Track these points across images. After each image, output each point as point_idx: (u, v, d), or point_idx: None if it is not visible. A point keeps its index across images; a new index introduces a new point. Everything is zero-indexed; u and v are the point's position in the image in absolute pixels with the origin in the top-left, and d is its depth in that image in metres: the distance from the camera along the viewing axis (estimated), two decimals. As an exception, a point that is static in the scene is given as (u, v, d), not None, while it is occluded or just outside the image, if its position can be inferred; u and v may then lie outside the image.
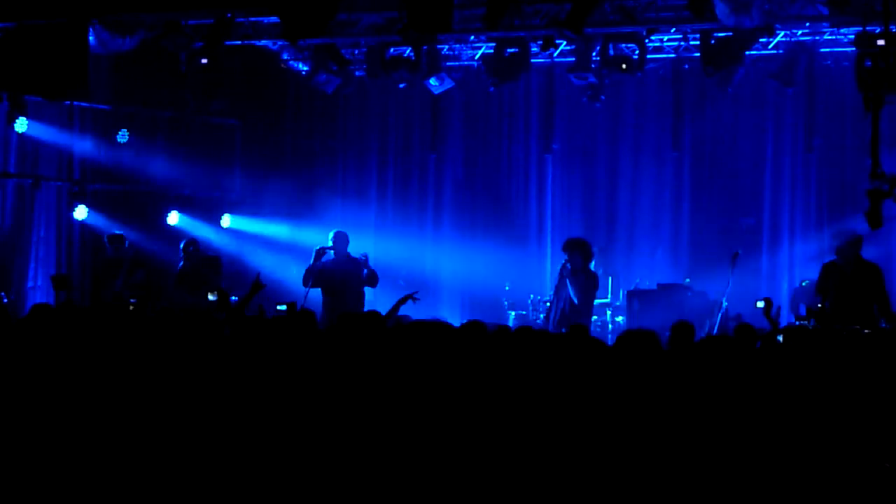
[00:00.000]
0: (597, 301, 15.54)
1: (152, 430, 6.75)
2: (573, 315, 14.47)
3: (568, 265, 14.69)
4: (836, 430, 6.52)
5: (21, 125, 17.28)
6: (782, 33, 16.89)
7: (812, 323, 13.41)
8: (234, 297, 16.26)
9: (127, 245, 16.92)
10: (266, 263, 19.44)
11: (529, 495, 6.09)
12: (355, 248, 15.99)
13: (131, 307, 14.42)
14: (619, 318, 17.72)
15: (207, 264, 16.75)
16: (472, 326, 8.19)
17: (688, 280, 18.03)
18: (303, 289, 15.38)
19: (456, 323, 8.06)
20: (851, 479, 6.04)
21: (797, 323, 14.25)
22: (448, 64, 18.84)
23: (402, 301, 12.11)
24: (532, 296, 18.65)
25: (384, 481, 6.20)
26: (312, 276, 15.32)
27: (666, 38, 17.69)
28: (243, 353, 7.82)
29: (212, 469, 6.45)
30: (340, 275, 15.52)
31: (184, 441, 6.65)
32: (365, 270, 15.44)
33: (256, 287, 11.74)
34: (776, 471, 6.11)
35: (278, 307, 11.18)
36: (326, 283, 15.52)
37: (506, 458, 6.22)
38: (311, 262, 15.38)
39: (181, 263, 16.64)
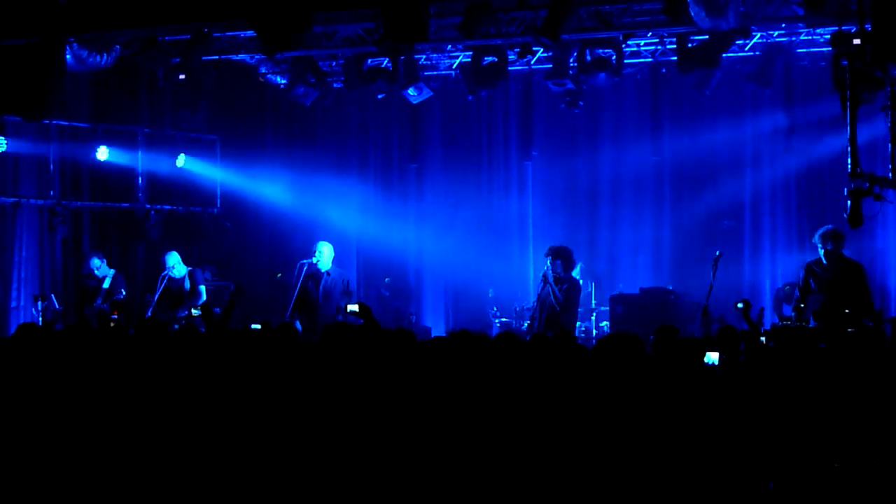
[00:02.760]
0: (580, 307, 15.58)
1: (140, 442, 6.75)
2: (557, 322, 14.51)
3: (550, 272, 14.74)
4: (822, 428, 6.54)
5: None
6: (758, 35, 16.95)
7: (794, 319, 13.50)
8: (216, 309, 16.29)
9: (107, 263, 16.90)
10: (248, 275, 19.48)
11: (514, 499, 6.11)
12: (340, 259, 16.03)
13: (113, 324, 14.40)
14: (603, 324, 17.75)
15: (188, 278, 16.72)
16: (459, 336, 8.21)
17: (670, 287, 18.05)
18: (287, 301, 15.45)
19: (441, 330, 8.08)
20: (839, 475, 6.06)
21: (780, 324, 14.33)
22: (426, 74, 18.85)
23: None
24: (516, 304, 18.66)
25: (369, 489, 6.21)
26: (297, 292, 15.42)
27: (643, 42, 17.73)
28: (225, 366, 7.81)
29: (198, 481, 6.44)
30: (323, 286, 15.55)
31: (171, 453, 6.65)
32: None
33: (236, 295, 11.66)
34: (762, 469, 6.13)
35: (252, 326, 11.11)
36: (310, 296, 15.55)
37: (489, 466, 6.23)
38: (295, 280, 15.46)
39: (162, 279, 16.62)
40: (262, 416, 6.91)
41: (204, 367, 7.90)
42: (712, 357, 8.18)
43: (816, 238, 14.06)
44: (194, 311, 11.55)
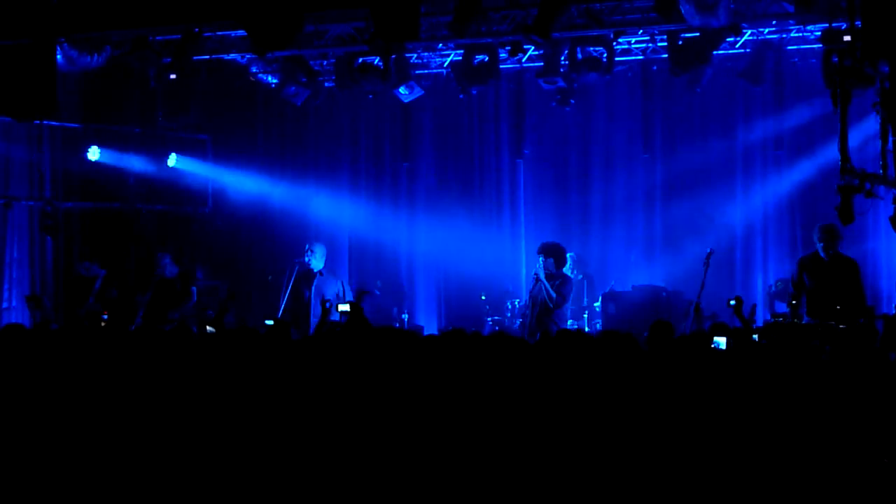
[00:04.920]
0: (572, 304, 15.58)
1: (131, 444, 6.74)
2: (549, 319, 14.52)
3: (542, 269, 14.74)
4: (814, 426, 6.54)
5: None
6: (749, 32, 16.94)
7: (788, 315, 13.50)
8: (209, 312, 16.30)
9: (99, 263, 16.86)
10: (240, 275, 19.48)
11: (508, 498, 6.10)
12: (332, 258, 16.05)
13: (103, 323, 14.38)
14: (596, 321, 17.75)
15: (180, 279, 16.69)
16: (453, 334, 8.20)
17: (663, 284, 18.04)
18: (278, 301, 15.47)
19: (433, 329, 8.07)
20: (823, 473, 6.06)
21: (773, 321, 14.32)
22: (417, 72, 18.82)
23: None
24: (508, 302, 18.66)
25: (363, 486, 6.20)
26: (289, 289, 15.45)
27: (633, 40, 17.72)
28: (217, 365, 7.80)
29: (188, 481, 6.44)
30: (314, 287, 15.54)
31: (162, 453, 6.64)
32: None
33: (229, 301, 11.67)
34: (755, 466, 6.13)
35: (266, 322, 11.11)
36: (302, 295, 15.56)
37: (484, 463, 6.23)
38: (287, 280, 15.45)
39: (154, 279, 16.58)
40: (254, 415, 6.91)
41: (196, 367, 7.89)
42: (720, 340, 8.18)
43: (815, 234, 14.08)
44: (209, 329, 11.51)
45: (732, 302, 12.38)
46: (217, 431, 6.82)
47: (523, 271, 19.84)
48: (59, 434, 6.93)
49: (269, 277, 18.85)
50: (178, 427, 6.91)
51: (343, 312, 11.84)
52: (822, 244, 13.93)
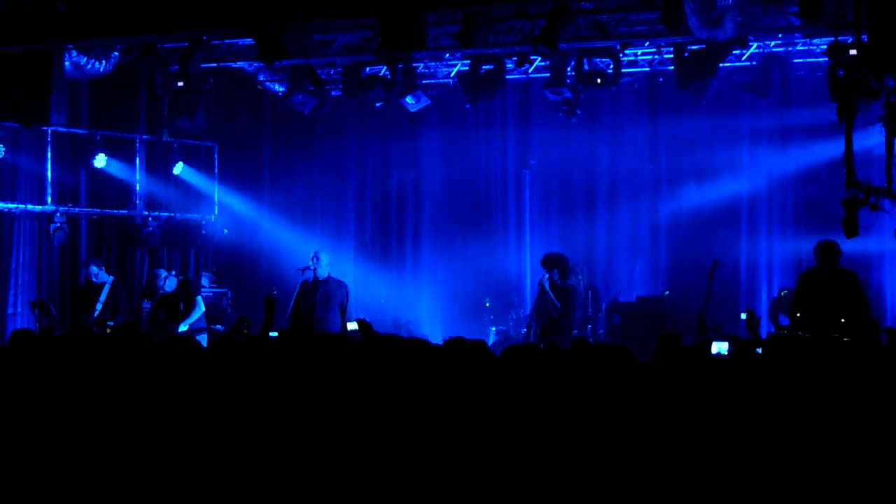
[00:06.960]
0: (577, 315, 15.61)
1: (135, 453, 6.76)
2: (553, 330, 14.54)
3: (547, 280, 14.76)
4: (819, 437, 6.55)
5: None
6: (755, 45, 16.98)
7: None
8: (219, 327, 16.26)
9: (105, 270, 16.87)
10: (246, 283, 19.49)
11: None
12: (335, 268, 16.04)
13: (109, 331, 14.38)
14: (600, 332, 17.76)
15: (181, 287, 16.65)
16: (454, 344, 8.21)
17: (667, 293, 18.06)
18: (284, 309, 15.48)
19: (437, 339, 8.05)
20: (837, 482, 6.07)
21: (777, 333, 14.32)
22: (424, 82, 18.86)
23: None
24: (513, 311, 18.67)
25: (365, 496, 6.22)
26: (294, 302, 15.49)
27: (640, 51, 17.76)
28: (222, 375, 7.81)
29: (193, 488, 6.46)
30: (321, 295, 15.54)
31: (167, 461, 6.66)
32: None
33: (240, 325, 11.55)
34: (760, 478, 6.15)
35: (270, 334, 11.10)
36: (307, 303, 15.56)
37: (486, 474, 6.24)
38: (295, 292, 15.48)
39: (156, 295, 16.56)
40: (258, 424, 6.92)
41: (202, 376, 7.90)
42: (721, 347, 7.83)
43: (813, 251, 14.06)
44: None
45: (744, 315, 12.37)
46: (221, 440, 6.84)
47: (528, 281, 19.87)
48: (67, 440, 6.95)
49: (275, 291, 18.85)
50: (183, 435, 6.93)
51: (353, 330, 11.84)
52: (819, 261, 13.89)
